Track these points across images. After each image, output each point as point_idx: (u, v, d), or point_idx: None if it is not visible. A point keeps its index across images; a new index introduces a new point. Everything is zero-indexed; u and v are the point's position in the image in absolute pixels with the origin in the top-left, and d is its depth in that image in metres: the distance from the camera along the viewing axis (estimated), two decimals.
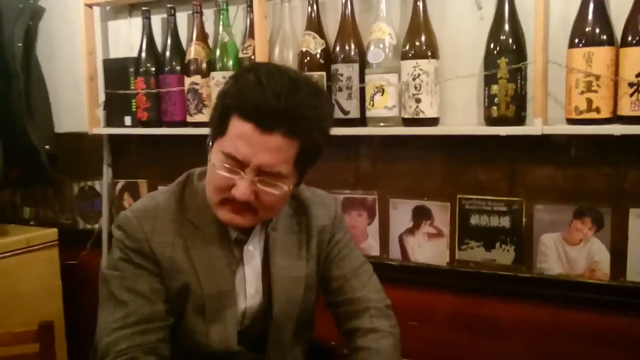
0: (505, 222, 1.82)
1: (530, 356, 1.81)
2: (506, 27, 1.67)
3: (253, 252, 1.27)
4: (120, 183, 2.51)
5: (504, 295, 1.84)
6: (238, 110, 1.08)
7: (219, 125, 1.12)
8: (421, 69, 1.75)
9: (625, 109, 1.53)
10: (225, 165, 1.11)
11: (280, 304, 1.27)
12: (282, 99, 1.06)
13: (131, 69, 2.29)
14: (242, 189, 1.10)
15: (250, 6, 2.01)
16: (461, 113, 1.83)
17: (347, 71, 1.85)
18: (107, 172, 2.51)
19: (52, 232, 2.59)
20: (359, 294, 1.31)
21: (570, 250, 1.74)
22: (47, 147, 2.57)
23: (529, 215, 1.78)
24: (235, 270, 1.25)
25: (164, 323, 1.19)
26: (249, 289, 1.27)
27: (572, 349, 1.76)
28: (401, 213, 1.97)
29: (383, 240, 1.99)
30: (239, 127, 1.08)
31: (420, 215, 1.94)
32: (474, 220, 1.86)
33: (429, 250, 1.93)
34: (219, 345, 1.22)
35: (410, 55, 1.76)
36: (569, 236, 1.74)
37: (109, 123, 2.39)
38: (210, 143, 1.17)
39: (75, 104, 2.55)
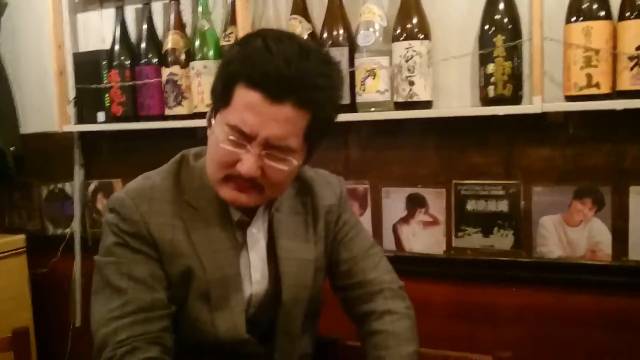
0: (503, 206, 1.77)
1: (533, 343, 1.76)
2: (501, 4, 1.63)
3: (257, 234, 1.18)
4: (93, 184, 2.38)
5: (504, 282, 1.79)
6: (245, 78, 0.99)
7: (223, 95, 1.03)
8: (414, 50, 1.70)
9: (625, 84, 1.51)
10: (230, 138, 1.02)
11: (290, 288, 1.18)
12: (293, 66, 0.97)
13: (104, 62, 2.18)
14: (248, 163, 1.02)
15: None
16: (455, 96, 1.78)
17: (337, 55, 1.77)
18: (78, 172, 2.37)
19: (19, 239, 2.45)
20: (370, 276, 1.24)
21: (570, 232, 1.70)
22: (12, 148, 2.43)
23: (527, 198, 1.74)
24: (239, 254, 1.16)
25: (166, 311, 1.09)
26: (254, 274, 1.17)
27: (576, 333, 1.72)
28: (394, 202, 1.90)
29: (376, 230, 1.92)
30: (245, 96, 0.99)
31: (415, 203, 1.88)
32: (471, 205, 1.81)
33: (424, 239, 1.87)
34: (226, 333, 1.12)
35: (402, 37, 1.71)
36: (569, 218, 1.70)
37: (81, 120, 2.27)
38: (212, 115, 1.08)
39: (43, 103, 2.42)
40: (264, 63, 0.98)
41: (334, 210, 1.26)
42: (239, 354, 1.16)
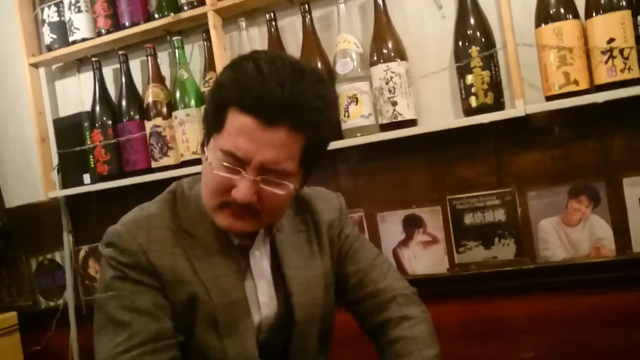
0: (500, 215, 1.77)
1: (548, 350, 1.71)
2: (471, 18, 1.68)
3: (260, 257, 1.15)
4: (84, 249, 2.34)
5: (512, 292, 1.76)
6: (237, 102, 0.97)
7: (215, 121, 1.01)
8: (393, 72, 1.73)
9: (602, 77, 1.54)
10: (224, 164, 1.00)
11: (302, 307, 1.14)
12: (287, 88, 0.95)
13: (86, 124, 2.18)
14: (243, 189, 0.99)
15: (207, 39, 1.97)
16: (438, 111, 1.81)
17: None
18: (67, 239, 2.33)
19: (11, 317, 2.34)
20: (381, 285, 1.21)
21: (571, 232, 1.70)
22: None
23: (523, 203, 1.74)
24: (243, 279, 1.12)
25: (173, 340, 1.05)
26: (261, 297, 1.14)
27: (591, 335, 1.68)
28: (391, 226, 1.89)
29: None
30: (238, 121, 0.97)
31: (412, 224, 1.86)
32: (468, 219, 1.80)
33: (426, 259, 1.85)
34: (237, 359, 1.08)
35: (379, 60, 1.75)
36: (568, 218, 1.70)
37: (66, 185, 2.24)
38: (205, 142, 1.06)
39: (26, 174, 2.40)
40: (257, 87, 0.95)
41: (336, 225, 1.25)
42: None
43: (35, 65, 2.24)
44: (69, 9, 2.13)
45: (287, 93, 0.95)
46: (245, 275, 1.13)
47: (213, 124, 1.02)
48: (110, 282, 1.06)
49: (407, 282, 1.25)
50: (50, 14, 2.18)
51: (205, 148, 1.06)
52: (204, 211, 1.09)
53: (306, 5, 1.85)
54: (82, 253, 2.34)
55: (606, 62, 1.53)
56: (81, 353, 2.33)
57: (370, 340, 1.24)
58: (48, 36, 2.19)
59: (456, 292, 1.82)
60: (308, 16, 1.85)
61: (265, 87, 0.95)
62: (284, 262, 1.16)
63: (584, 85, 1.56)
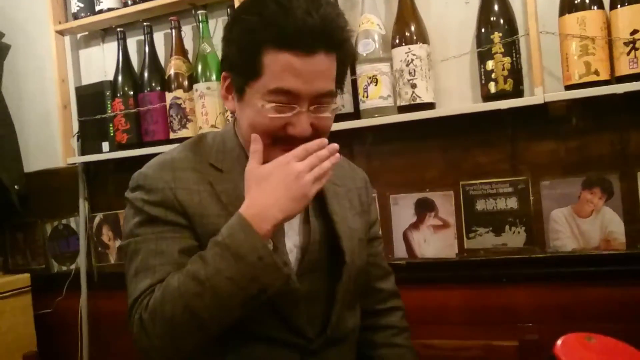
0: (512, 203, 1.77)
1: (552, 339, 1.72)
2: (495, 4, 1.69)
3: None
4: (98, 217, 2.37)
5: (520, 280, 1.77)
6: (273, 42, 0.99)
7: (249, 67, 1.02)
8: (414, 54, 1.74)
9: (623, 69, 1.54)
10: (275, 104, 1.01)
11: (349, 250, 1.17)
12: (314, 15, 0.98)
13: (107, 92, 2.21)
14: (303, 124, 1.02)
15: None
16: (456, 96, 1.81)
17: None
18: (83, 206, 2.37)
19: (24, 278, 2.40)
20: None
21: (582, 223, 1.70)
22: (16, 187, 2.43)
23: (536, 193, 1.74)
24: None
25: None
26: (287, 242, 1.14)
27: (596, 327, 1.66)
28: (403, 208, 1.90)
29: (387, 238, 1.91)
30: (280, 59, 0.99)
31: (424, 208, 1.88)
32: (480, 205, 1.81)
33: (436, 243, 1.86)
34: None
35: (401, 42, 1.76)
36: (580, 209, 1.70)
37: (84, 152, 2.28)
38: (234, 91, 1.08)
39: (46, 140, 2.44)
40: (290, 22, 0.98)
41: (363, 194, 1.29)
42: (285, 297, 1.10)
43: (61, 33, 2.28)
44: None
45: (317, 19, 0.99)
46: None
47: (248, 72, 1.03)
48: (137, 227, 1.08)
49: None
50: None
51: (229, 96, 1.10)
52: (231, 147, 1.13)
53: None
54: (96, 220, 2.38)
55: (628, 54, 1.53)
56: (90, 318, 2.37)
57: None
58: (75, 4, 2.22)
59: (464, 277, 1.83)
60: None
61: (297, 20, 0.98)
62: (331, 208, 1.18)
63: (604, 75, 1.56)
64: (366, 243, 1.28)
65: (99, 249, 2.38)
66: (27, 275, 2.40)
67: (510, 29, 1.67)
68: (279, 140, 1.04)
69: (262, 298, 0.99)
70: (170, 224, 1.07)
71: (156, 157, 1.15)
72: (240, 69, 1.05)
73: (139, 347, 1.01)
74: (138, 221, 1.07)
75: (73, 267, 2.42)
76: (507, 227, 1.78)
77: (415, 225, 1.89)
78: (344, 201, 1.23)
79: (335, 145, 1.02)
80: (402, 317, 1.36)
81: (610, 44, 1.56)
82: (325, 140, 1.02)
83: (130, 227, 1.08)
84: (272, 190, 0.98)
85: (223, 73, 1.11)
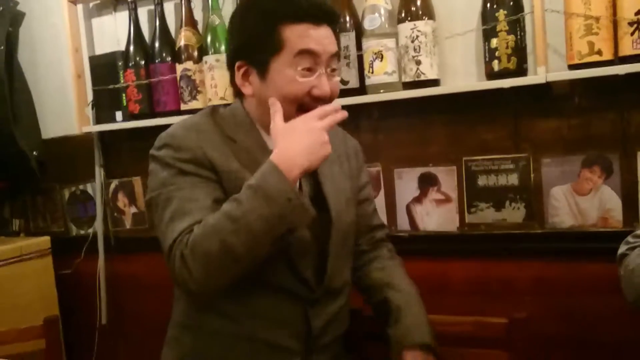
0: (513, 179, 1.80)
1: (549, 313, 1.78)
2: None
3: None
4: (114, 183, 2.45)
5: (518, 255, 1.81)
6: (290, 17, 1.16)
7: (271, 44, 1.16)
8: (419, 30, 1.74)
9: (627, 49, 1.54)
10: (301, 69, 1.16)
11: (335, 208, 1.28)
12: None
13: (120, 63, 2.25)
14: (325, 86, 1.17)
15: None
16: (461, 73, 1.82)
17: (344, 40, 1.84)
18: (99, 172, 2.45)
19: (44, 240, 2.50)
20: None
21: (581, 201, 1.73)
22: (35, 153, 2.51)
23: (536, 170, 1.77)
24: None
25: None
26: None
27: (592, 303, 1.73)
28: (407, 182, 1.94)
29: (390, 211, 1.96)
30: (297, 30, 1.16)
31: (427, 182, 1.91)
32: (482, 181, 1.84)
33: (438, 217, 1.91)
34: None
35: (407, 18, 1.76)
36: (579, 187, 1.73)
37: (99, 121, 2.34)
38: (259, 72, 1.19)
39: (62, 108, 2.50)
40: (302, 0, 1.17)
41: (354, 161, 1.40)
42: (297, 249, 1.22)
43: (73, 2, 2.30)
44: None
45: None
46: None
47: (270, 48, 1.17)
48: (167, 178, 1.17)
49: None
50: None
51: (247, 82, 1.22)
52: (241, 120, 1.24)
53: None
54: (112, 186, 2.46)
55: (632, 34, 1.53)
56: (108, 280, 2.48)
57: None
58: None
59: (464, 250, 1.88)
60: None
61: None
62: (319, 170, 1.27)
63: (607, 55, 1.56)
64: (355, 203, 1.39)
65: (115, 214, 2.46)
66: (47, 238, 2.50)
67: (516, 6, 1.67)
68: (301, 108, 1.17)
69: (288, 238, 1.14)
70: (202, 177, 1.16)
71: (178, 123, 1.26)
72: (261, 48, 1.17)
73: (180, 281, 1.11)
74: (170, 174, 1.16)
75: (90, 231, 2.51)
76: (507, 202, 1.82)
77: (418, 199, 1.93)
78: (334, 165, 1.33)
79: (345, 112, 1.16)
80: (391, 250, 1.50)
81: (615, 23, 1.55)
82: (339, 105, 1.16)
83: (161, 179, 1.17)
84: (298, 141, 1.10)
85: (237, 63, 1.21)
